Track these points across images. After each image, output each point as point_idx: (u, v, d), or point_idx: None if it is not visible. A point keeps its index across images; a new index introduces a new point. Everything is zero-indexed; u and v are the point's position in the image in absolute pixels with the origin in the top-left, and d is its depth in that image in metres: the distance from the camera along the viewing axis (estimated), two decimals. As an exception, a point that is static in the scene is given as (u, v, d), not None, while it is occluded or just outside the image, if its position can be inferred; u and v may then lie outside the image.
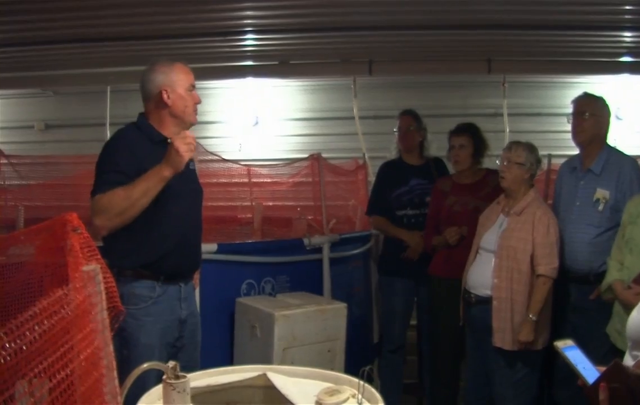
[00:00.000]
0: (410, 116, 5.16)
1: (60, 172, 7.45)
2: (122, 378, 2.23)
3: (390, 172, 5.18)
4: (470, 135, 4.65)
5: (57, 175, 7.37)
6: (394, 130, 5.21)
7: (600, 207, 3.94)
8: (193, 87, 3.25)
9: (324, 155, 5.77)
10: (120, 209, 2.96)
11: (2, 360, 1.00)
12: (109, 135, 7.89)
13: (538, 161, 4.13)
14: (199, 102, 3.28)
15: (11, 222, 5.67)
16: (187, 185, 3.28)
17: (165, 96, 3.16)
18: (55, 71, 7.05)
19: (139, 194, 2.95)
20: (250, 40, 5.94)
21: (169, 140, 3.14)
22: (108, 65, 6.80)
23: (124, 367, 2.75)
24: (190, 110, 3.23)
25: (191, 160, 3.33)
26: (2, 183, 6.57)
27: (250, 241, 5.80)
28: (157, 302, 3.13)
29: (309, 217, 5.79)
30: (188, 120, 3.24)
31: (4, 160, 6.68)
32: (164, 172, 2.97)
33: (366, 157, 6.98)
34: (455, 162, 4.69)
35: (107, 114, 7.99)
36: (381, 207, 5.15)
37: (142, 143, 3.16)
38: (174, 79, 3.18)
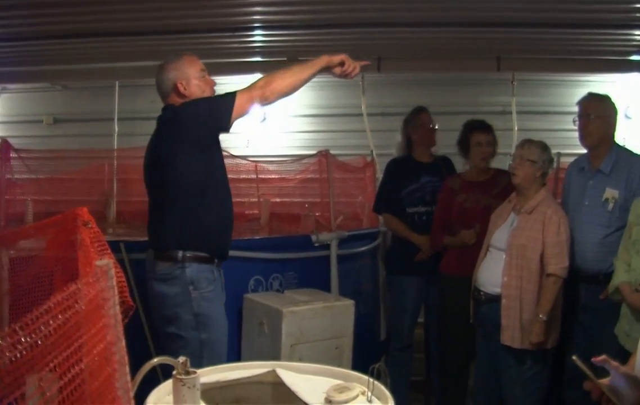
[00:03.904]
0: (429, 113, 5.14)
1: (69, 167, 7.46)
2: (204, 364, 2.28)
3: (400, 169, 5.14)
4: (492, 133, 4.69)
5: (65, 169, 7.38)
6: (413, 125, 5.11)
7: (610, 207, 3.92)
8: (204, 71, 3.32)
9: (332, 152, 5.75)
10: (284, 79, 3.21)
11: (18, 355, 1.01)
12: (117, 129, 7.93)
13: (550, 160, 4.12)
14: (214, 84, 3.36)
15: (20, 216, 5.68)
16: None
17: (182, 89, 3.23)
18: (64, 66, 7.07)
19: (303, 73, 3.28)
20: (258, 36, 5.93)
21: None
22: (117, 60, 6.81)
23: (206, 351, 2.85)
24: (208, 94, 3.30)
25: None
26: (11, 177, 6.57)
27: (258, 237, 5.80)
28: (218, 284, 3.25)
29: (317, 214, 5.78)
30: None
31: (13, 154, 6.69)
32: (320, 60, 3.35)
33: (374, 154, 6.97)
34: (482, 159, 4.68)
35: (115, 109, 8.01)
36: (390, 204, 5.13)
37: None
38: (186, 71, 3.26)
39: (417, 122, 5.11)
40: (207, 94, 3.29)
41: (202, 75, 3.30)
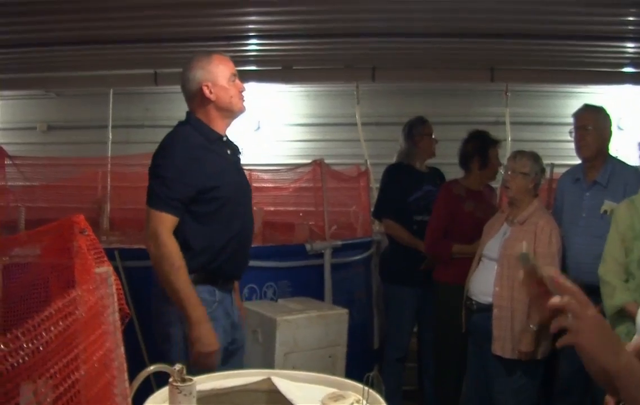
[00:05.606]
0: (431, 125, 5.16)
1: (63, 174, 7.47)
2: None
3: (403, 176, 5.11)
4: None
5: (59, 176, 7.38)
6: (420, 133, 5.10)
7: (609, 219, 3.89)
8: (235, 75, 3.11)
9: (326, 161, 5.75)
10: (165, 269, 2.89)
11: (20, 361, 1.01)
12: (110, 137, 7.93)
13: (542, 171, 4.13)
14: (243, 89, 3.14)
15: (13, 223, 5.67)
16: (242, 181, 3.23)
17: (207, 92, 3.03)
18: (59, 73, 7.07)
19: (177, 289, 2.88)
20: (253, 45, 5.95)
21: (224, 138, 3.13)
22: (111, 67, 6.82)
23: (192, 373, 2.75)
24: (236, 99, 3.10)
25: (238, 150, 3.26)
26: (5, 184, 6.56)
27: (252, 245, 5.79)
28: (219, 307, 3.06)
29: (311, 223, 5.79)
30: (237, 110, 3.13)
31: (7, 161, 6.69)
32: (196, 318, 2.89)
33: (368, 163, 6.97)
34: (496, 172, 4.78)
35: (109, 116, 8.00)
36: (393, 209, 5.09)
37: (201, 144, 3.04)
38: (214, 72, 3.05)
39: (424, 131, 5.11)
40: (235, 99, 3.09)
41: (231, 78, 3.08)
